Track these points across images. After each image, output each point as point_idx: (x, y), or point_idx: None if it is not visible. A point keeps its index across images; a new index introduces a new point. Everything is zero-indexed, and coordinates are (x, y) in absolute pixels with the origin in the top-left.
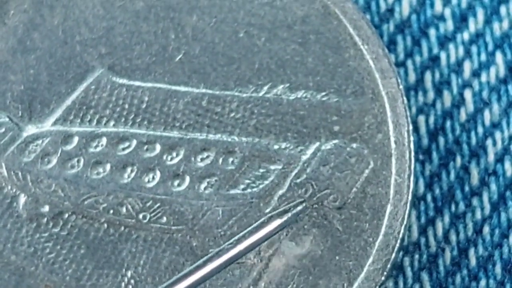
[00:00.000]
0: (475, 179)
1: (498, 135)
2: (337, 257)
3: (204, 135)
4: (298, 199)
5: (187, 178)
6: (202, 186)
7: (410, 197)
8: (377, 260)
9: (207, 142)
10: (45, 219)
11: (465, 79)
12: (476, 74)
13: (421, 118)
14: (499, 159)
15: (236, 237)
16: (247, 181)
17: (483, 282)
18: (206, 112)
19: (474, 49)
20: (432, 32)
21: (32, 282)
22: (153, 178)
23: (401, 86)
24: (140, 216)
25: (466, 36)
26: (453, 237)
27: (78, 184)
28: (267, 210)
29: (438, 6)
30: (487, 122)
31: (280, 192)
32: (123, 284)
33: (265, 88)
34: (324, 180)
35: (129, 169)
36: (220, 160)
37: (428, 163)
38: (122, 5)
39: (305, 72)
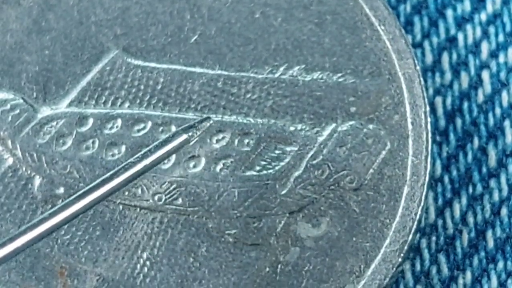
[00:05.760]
0: (492, 160)
1: None
2: (353, 239)
3: (219, 117)
4: (314, 181)
5: (203, 160)
6: (218, 167)
7: (427, 179)
8: (394, 241)
9: (222, 123)
10: (60, 200)
11: (482, 60)
12: (493, 55)
13: (438, 99)
14: None
15: (142, 152)
16: (263, 162)
17: (500, 264)
18: (222, 93)
19: (491, 29)
20: (449, 12)
21: (48, 263)
22: (169, 159)
23: (418, 67)
24: (156, 197)
25: (483, 16)
26: (470, 219)
27: (93, 166)
28: (283, 192)
29: None
30: (505, 103)
31: (296, 173)
32: (138, 266)
33: (281, 69)
34: (341, 162)
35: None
36: (236, 142)
37: (445, 145)
38: None
39: (321, 53)
